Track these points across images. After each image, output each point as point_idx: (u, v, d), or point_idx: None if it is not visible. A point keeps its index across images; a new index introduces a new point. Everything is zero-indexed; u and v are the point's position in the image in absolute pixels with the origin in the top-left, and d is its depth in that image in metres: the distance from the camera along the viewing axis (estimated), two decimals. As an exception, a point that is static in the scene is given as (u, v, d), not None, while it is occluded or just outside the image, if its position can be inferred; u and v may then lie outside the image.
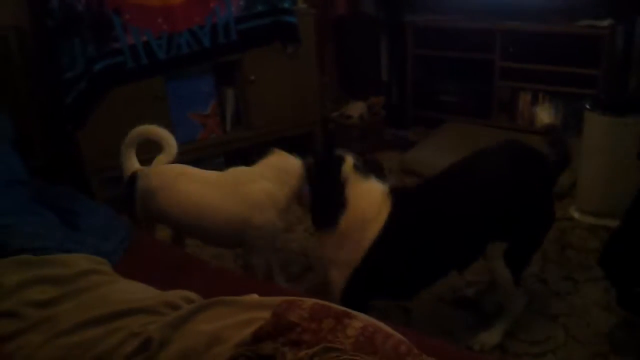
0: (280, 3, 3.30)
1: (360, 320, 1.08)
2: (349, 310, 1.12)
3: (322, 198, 1.85)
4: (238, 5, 3.19)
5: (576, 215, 2.86)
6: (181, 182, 2.11)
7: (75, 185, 2.68)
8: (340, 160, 1.82)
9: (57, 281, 1.46)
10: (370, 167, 1.88)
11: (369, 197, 1.79)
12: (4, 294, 1.42)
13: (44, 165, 2.97)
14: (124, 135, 3.05)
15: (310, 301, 1.15)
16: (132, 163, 2.27)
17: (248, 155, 3.53)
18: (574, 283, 2.35)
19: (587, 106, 2.72)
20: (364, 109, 3.81)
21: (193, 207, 2.07)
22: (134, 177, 2.20)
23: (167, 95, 3.19)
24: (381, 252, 1.76)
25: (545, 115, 2.14)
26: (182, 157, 3.31)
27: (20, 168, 2.01)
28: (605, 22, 3.26)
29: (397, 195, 1.83)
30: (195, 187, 2.10)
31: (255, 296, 1.31)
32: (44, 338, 1.30)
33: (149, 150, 2.32)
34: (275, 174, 2.07)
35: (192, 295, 1.39)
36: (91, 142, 3.02)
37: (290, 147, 3.66)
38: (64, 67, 2.80)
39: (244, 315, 1.19)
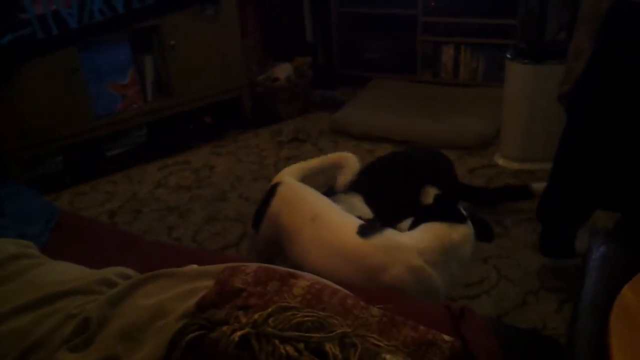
0: (196, -37, 3.17)
1: (306, 279, 1.08)
2: (294, 271, 1.12)
3: None
4: (152, -33, 3.04)
5: (500, 161, 2.97)
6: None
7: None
8: None
9: None
10: None
11: None
12: None
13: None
14: (40, 111, 2.91)
15: (253, 265, 1.14)
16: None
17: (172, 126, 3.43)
18: (503, 227, 2.45)
19: (508, 55, 2.80)
20: (291, 71, 3.76)
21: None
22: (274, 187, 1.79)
23: (81, 66, 3.04)
24: None
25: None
26: (102, 132, 3.21)
27: None
28: (521, -27, 3.34)
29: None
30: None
31: (194, 266, 1.27)
32: (-27, 328, 1.22)
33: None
34: (441, 252, 1.54)
35: (128, 270, 1.34)
36: (6, 121, 2.86)
37: (218, 113, 3.63)
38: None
39: (186, 285, 1.16)
